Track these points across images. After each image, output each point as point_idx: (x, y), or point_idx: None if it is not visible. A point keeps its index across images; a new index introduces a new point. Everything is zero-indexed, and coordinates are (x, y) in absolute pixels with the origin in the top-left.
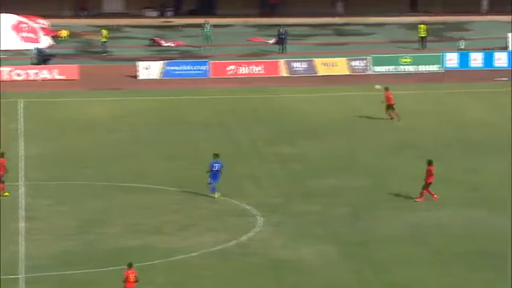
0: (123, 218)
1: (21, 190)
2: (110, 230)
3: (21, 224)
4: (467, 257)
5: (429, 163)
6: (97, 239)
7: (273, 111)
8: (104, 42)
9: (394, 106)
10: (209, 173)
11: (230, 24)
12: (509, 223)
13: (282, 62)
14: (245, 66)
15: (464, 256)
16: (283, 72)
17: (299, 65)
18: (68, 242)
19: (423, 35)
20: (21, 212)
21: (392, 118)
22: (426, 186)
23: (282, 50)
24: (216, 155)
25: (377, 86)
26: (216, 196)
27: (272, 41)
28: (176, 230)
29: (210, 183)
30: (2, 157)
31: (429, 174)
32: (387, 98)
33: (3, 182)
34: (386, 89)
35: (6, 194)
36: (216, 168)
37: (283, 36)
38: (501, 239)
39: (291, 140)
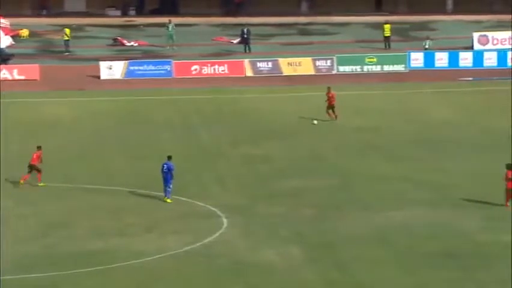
0: (86, 221)
1: None
2: (73, 232)
3: None
4: (432, 258)
5: (508, 167)
6: (59, 242)
7: (237, 112)
8: (67, 41)
9: (334, 106)
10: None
11: (193, 24)
12: (474, 223)
13: (246, 62)
14: (209, 66)
15: (429, 257)
16: (248, 72)
17: (264, 65)
18: (30, 245)
19: (388, 35)
20: None
21: (331, 118)
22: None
23: (246, 49)
24: (169, 157)
25: (315, 122)
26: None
27: (236, 40)
28: (140, 232)
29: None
30: (39, 150)
31: (507, 179)
32: (330, 99)
33: (40, 171)
34: (329, 88)
35: (43, 184)
36: (164, 169)
37: (246, 36)
38: (466, 240)
39: (256, 141)
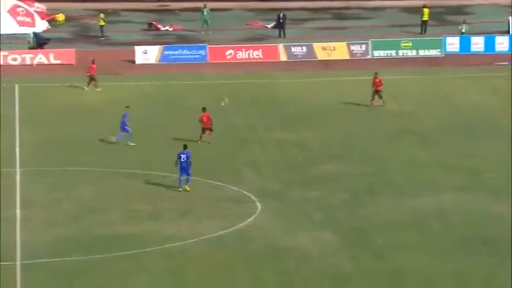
0: (120, 205)
1: (17, 177)
2: (106, 216)
3: (17, 211)
4: (467, 243)
5: None
6: (92, 226)
7: (271, 97)
8: (102, 26)
9: (381, 91)
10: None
11: (228, 8)
12: (509, 209)
13: (281, 47)
14: (243, 51)
15: (464, 242)
16: (282, 57)
17: (298, 50)
18: (64, 229)
19: (426, 19)
20: (17, 199)
21: (378, 104)
22: None
23: (281, 34)
24: (185, 146)
25: (223, 104)
26: (180, 190)
27: (271, 25)
28: (175, 216)
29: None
30: (204, 111)
31: None
32: (377, 84)
33: (211, 130)
34: (376, 74)
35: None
36: (182, 159)
37: (282, 21)
38: (501, 224)
39: (289, 126)
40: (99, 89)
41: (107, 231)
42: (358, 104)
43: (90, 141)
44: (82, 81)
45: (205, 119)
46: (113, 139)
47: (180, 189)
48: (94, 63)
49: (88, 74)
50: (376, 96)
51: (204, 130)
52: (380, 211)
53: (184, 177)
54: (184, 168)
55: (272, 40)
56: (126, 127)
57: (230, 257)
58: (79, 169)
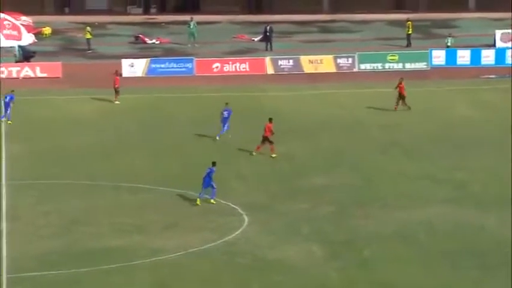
0: (107, 218)
1: (3, 190)
2: (94, 229)
3: (3, 224)
4: (454, 256)
5: None
6: (80, 239)
7: (259, 109)
8: (89, 39)
9: (405, 97)
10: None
11: (215, 22)
12: (496, 222)
13: (268, 60)
14: (230, 64)
15: (451, 254)
16: (269, 70)
17: (285, 63)
18: (51, 242)
19: (410, 32)
20: (3, 212)
21: (404, 107)
22: None
23: (268, 47)
24: (214, 163)
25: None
26: (197, 202)
27: (258, 38)
28: (161, 229)
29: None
30: (270, 122)
31: None
32: (401, 89)
33: (272, 143)
34: (401, 79)
35: (274, 155)
36: (207, 172)
37: (269, 34)
38: (487, 237)
39: (277, 139)
40: (117, 102)
41: (95, 244)
42: (345, 117)
43: (77, 154)
44: (69, 94)
45: (267, 128)
46: None
47: (199, 200)
48: (118, 75)
49: (115, 86)
50: (400, 101)
51: (264, 141)
52: (368, 223)
53: (213, 189)
54: (207, 183)
55: (259, 53)
56: None
57: (217, 270)
58: (66, 182)
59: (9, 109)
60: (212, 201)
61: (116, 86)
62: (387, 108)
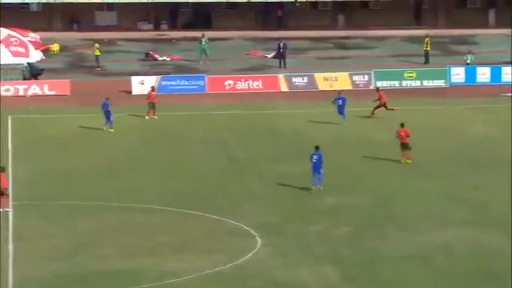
0: (115, 239)
1: (9, 210)
2: (101, 251)
3: (10, 246)
4: (471, 278)
5: None
6: (87, 261)
7: (272, 128)
8: (98, 56)
9: None
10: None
11: (227, 38)
12: None
13: (281, 77)
14: (243, 81)
15: (468, 277)
16: (283, 87)
17: (299, 80)
18: (57, 265)
19: (428, 49)
20: (9, 234)
21: None
22: None
23: (282, 64)
24: (317, 147)
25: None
26: (313, 188)
27: (271, 55)
28: (171, 251)
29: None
30: (403, 127)
31: None
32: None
33: (409, 149)
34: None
35: (409, 161)
36: (314, 160)
37: (282, 50)
38: (506, 260)
39: (290, 157)
40: (151, 117)
41: (102, 266)
42: (360, 135)
43: (85, 174)
44: (77, 112)
45: (403, 134)
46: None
47: (314, 187)
48: (154, 91)
49: (148, 101)
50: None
51: (403, 147)
52: (384, 245)
53: (317, 176)
54: (316, 168)
55: (272, 70)
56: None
57: None
58: (73, 203)
59: (111, 117)
60: (321, 187)
61: (151, 100)
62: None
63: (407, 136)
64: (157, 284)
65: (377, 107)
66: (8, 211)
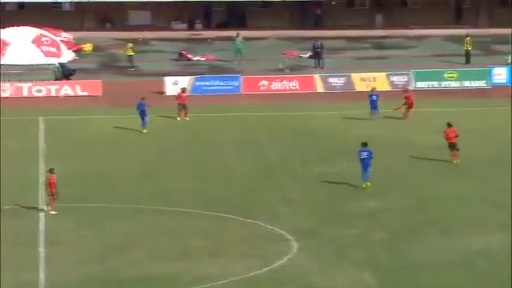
0: (149, 243)
1: (42, 213)
2: (134, 255)
3: (42, 249)
4: None
5: None
6: (120, 266)
7: (307, 129)
8: (131, 56)
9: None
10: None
11: (262, 37)
12: None
13: (317, 77)
14: (278, 82)
15: (509, 283)
16: (319, 88)
17: (336, 80)
18: (90, 268)
19: (469, 49)
20: (42, 237)
21: None
22: None
23: (318, 64)
24: (364, 144)
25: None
26: (364, 186)
27: (307, 54)
28: (205, 255)
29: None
30: (450, 127)
31: None
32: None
33: (457, 149)
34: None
35: (455, 161)
36: (363, 156)
37: (319, 50)
38: None
39: (326, 159)
40: (183, 118)
41: (135, 271)
42: (398, 137)
43: (117, 176)
44: (109, 113)
45: (451, 134)
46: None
47: (364, 185)
48: (184, 92)
49: (177, 102)
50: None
51: (451, 148)
52: (423, 250)
53: (366, 173)
54: (365, 165)
55: (308, 70)
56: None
57: None
58: (105, 205)
59: (146, 117)
60: (368, 184)
61: (182, 102)
62: (444, 128)
63: (456, 136)
64: None
65: (407, 109)
66: (54, 214)
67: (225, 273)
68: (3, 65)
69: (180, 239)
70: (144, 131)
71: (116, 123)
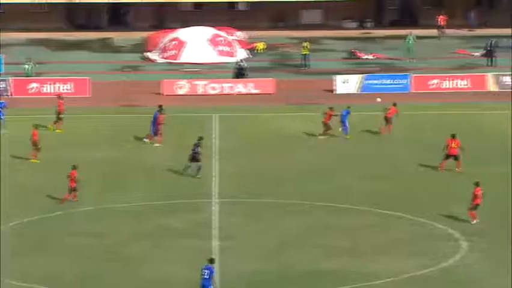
0: (319, 239)
1: (215, 208)
2: (305, 251)
3: (216, 243)
4: None
5: None
6: (291, 261)
7: (479, 129)
8: (306, 55)
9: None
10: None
11: (433, 36)
12: None
13: (490, 76)
14: (449, 80)
15: None
16: (492, 87)
17: (509, 79)
18: (262, 263)
19: None
20: (215, 230)
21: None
22: None
23: (491, 63)
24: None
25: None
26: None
27: (478, 53)
28: (374, 252)
29: None
30: (454, 138)
31: None
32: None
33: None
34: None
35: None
36: None
37: (491, 49)
38: None
39: (498, 159)
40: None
41: (306, 266)
42: None
43: (289, 172)
44: (282, 111)
45: (452, 145)
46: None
47: None
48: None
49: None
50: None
51: (455, 158)
52: None
53: None
54: None
55: (480, 69)
56: None
57: None
58: (278, 201)
59: (346, 123)
60: None
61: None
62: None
63: (459, 147)
64: (360, 285)
65: None
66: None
67: (393, 271)
68: (180, 63)
69: (350, 236)
70: (348, 136)
71: (289, 121)
